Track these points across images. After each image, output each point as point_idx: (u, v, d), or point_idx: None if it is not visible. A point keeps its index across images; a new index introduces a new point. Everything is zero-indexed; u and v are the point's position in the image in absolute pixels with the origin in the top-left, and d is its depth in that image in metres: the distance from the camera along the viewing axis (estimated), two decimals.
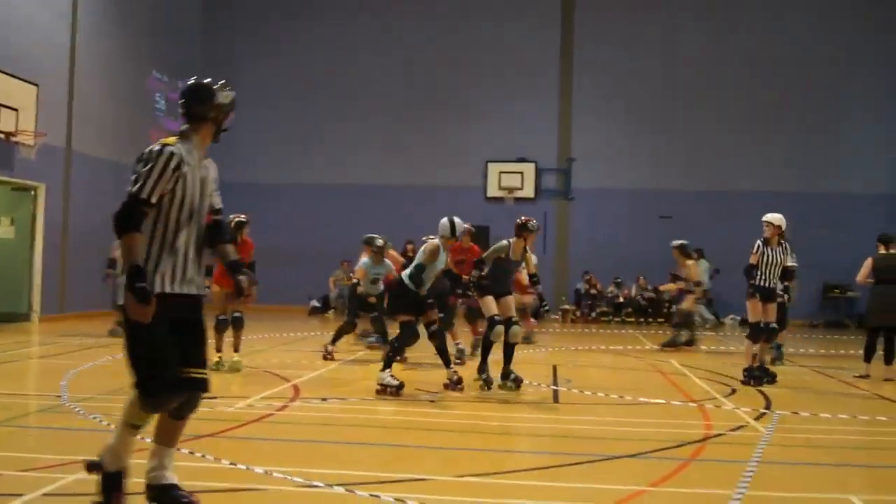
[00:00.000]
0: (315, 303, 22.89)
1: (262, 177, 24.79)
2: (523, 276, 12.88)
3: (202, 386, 4.66)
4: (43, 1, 18.80)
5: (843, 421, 8.59)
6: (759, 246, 11.10)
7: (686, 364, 13.28)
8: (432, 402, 9.13)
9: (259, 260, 11.72)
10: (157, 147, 4.56)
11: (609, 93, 24.83)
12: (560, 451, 7.03)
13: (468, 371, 10.63)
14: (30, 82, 17.43)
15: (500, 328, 9.93)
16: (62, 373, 10.48)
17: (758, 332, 11.06)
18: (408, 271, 9.85)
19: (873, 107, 24.12)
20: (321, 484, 5.47)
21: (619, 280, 23.68)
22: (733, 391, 10.37)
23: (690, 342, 15.60)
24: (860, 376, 11.82)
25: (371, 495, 5.25)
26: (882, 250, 12.05)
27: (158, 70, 23.52)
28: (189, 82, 4.94)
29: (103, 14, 21.10)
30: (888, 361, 11.74)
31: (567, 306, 23.61)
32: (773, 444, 7.22)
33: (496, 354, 10.14)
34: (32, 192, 18.55)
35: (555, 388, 10.36)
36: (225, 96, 4.85)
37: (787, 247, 11.18)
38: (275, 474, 5.65)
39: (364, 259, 13.04)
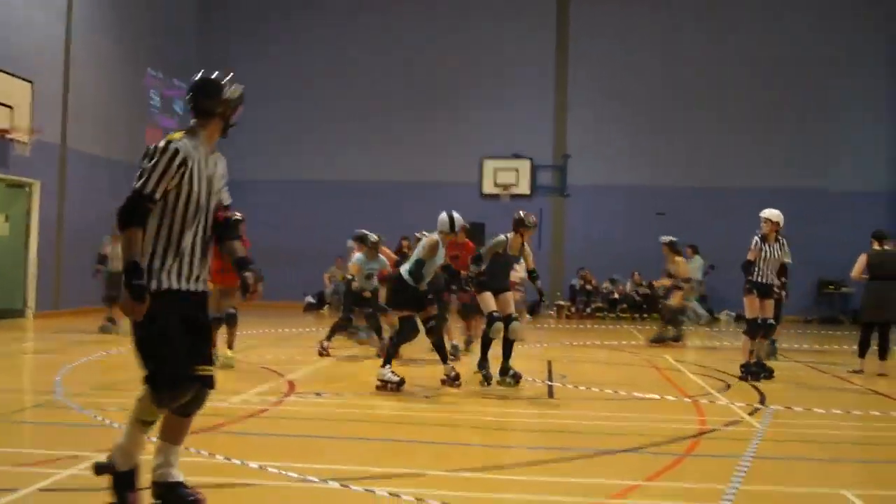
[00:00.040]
0: (310, 299, 22.89)
1: (257, 174, 24.71)
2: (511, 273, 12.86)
3: (209, 383, 4.63)
4: None
5: (836, 416, 8.60)
6: (756, 242, 11.11)
7: (680, 359, 13.31)
8: (427, 397, 9.13)
9: (254, 257, 11.68)
10: (162, 143, 4.48)
11: (605, 90, 24.80)
12: (555, 445, 7.02)
13: (462, 367, 10.62)
14: (25, 79, 17.38)
15: (498, 325, 9.90)
16: (56, 368, 10.46)
17: (755, 328, 11.07)
18: (407, 266, 9.81)
19: (873, 106, 24.09)
20: (316, 479, 5.46)
21: (614, 277, 23.71)
22: (728, 386, 10.38)
23: (677, 338, 15.61)
24: (854, 371, 11.84)
25: (366, 490, 5.25)
26: (876, 246, 12.08)
27: (154, 67, 23.44)
28: (197, 77, 4.82)
29: (98, 11, 21.03)
30: (882, 357, 11.78)
31: (562, 302, 23.63)
32: (768, 439, 7.22)
33: (495, 350, 10.13)
34: (27, 189, 18.50)
35: (550, 383, 10.38)
36: (233, 91, 4.75)
37: (785, 243, 11.19)
38: (269, 469, 5.65)
39: (358, 255, 13.04)
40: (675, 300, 15.61)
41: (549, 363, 12.24)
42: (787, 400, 9.33)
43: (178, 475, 4.63)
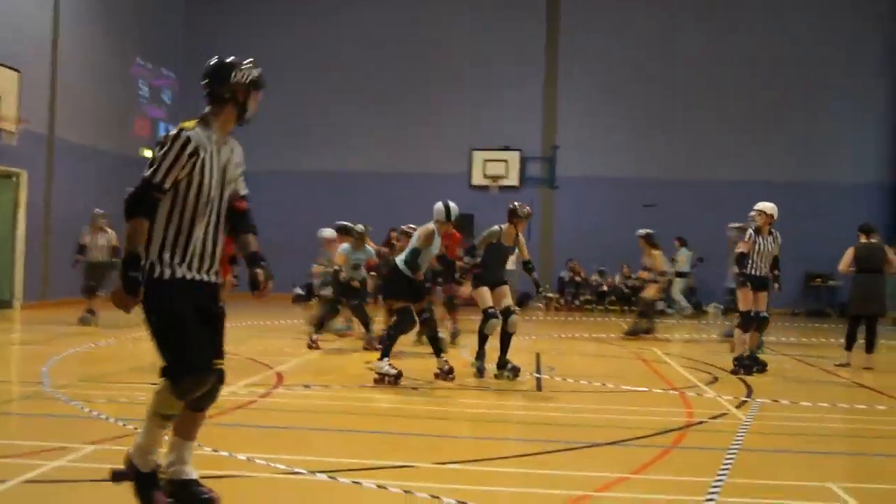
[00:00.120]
0: (299, 290, 22.81)
1: (245, 165, 24.65)
2: None
3: (221, 377, 4.56)
4: None
5: (823, 409, 8.65)
6: (750, 234, 11.12)
7: (668, 352, 13.35)
8: (415, 389, 9.13)
9: None
10: (174, 131, 4.39)
11: (595, 82, 24.76)
12: (542, 438, 7.04)
13: (450, 360, 10.58)
14: (11, 68, 17.29)
15: (494, 321, 9.88)
16: (44, 359, 10.43)
17: (748, 321, 11.09)
18: (402, 256, 9.77)
19: (861, 103, 24.08)
20: (304, 471, 5.47)
21: (602, 269, 23.74)
22: (715, 379, 10.42)
23: (648, 330, 15.62)
24: (841, 365, 11.89)
25: (353, 482, 5.25)
26: (863, 240, 12.11)
27: (142, 57, 23.36)
28: (211, 62, 4.74)
29: (86, 1, 20.94)
30: (869, 350, 11.82)
31: (551, 294, 23.65)
32: (754, 431, 7.26)
33: (492, 342, 10.14)
34: (14, 179, 18.42)
35: (538, 375, 10.39)
36: (242, 75, 4.62)
37: (778, 236, 11.20)
38: (257, 461, 5.65)
39: (344, 245, 13.02)
40: (650, 292, 15.65)
41: (538, 355, 12.27)
42: (774, 393, 9.37)
43: (192, 472, 4.53)
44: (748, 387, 9.79)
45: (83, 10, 20.76)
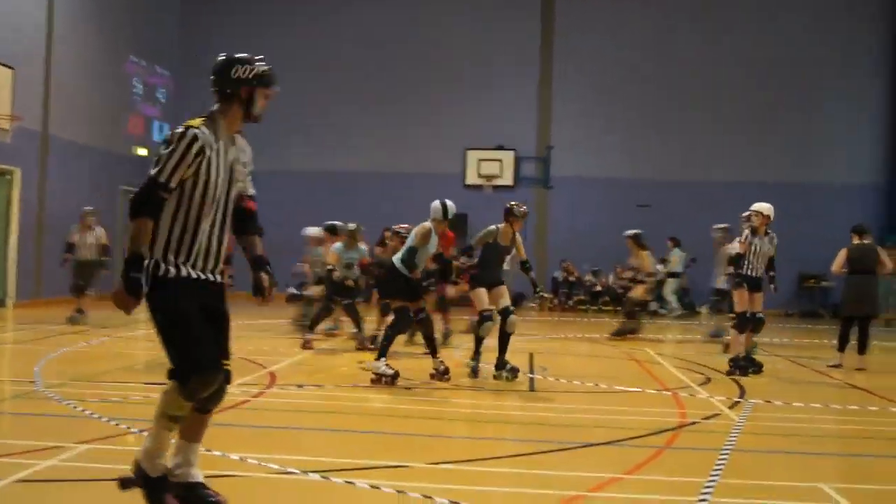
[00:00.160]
0: (293, 290, 22.81)
1: None
2: None
3: (227, 377, 4.46)
4: None
5: (815, 410, 8.67)
6: (747, 235, 11.14)
7: (661, 352, 13.37)
8: (408, 389, 9.13)
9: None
10: (180, 129, 4.30)
11: (589, 82, 24.80)
12: (535, 438, 7.05)
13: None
14: (5, 65, 17.25)
15: (489, 324, 9.86)
16: (36, 359, 10.42)
17: (744, 322, 11.10)
18: (399, 255, 9.75)
19: (856, 104, 24.18)
20: (297, 471, 5.47)
21: (596, 269, 23.76)
22: (708, 380, 10.44)
23: (633, 330, 15.62)
24: (833, 366, 11.91)
25: (346, 482, 5.26)
26: (856, 241, 12.14)
27: (136, 55, 23.33)
28: (218, 57, 4.61)
29: (80, 1, 20.91)
30: (861, 351, 11.84)
31: (546, 294, 23.64)
32: (747, 432, 7.28)
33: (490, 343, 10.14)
34: (8, 177, 18.39)
35: (531, 375, 10.40)
36: (244, 70, 4.49)
37: (774, 237, 11.22)
38: (250, 461, 5.65)
39: (336, 244, 13.00)
40: (637, 293, 15.66)
41: (531, 356, 12.27)
42: (767, 393, 9.39)
43: (199, 475, 4.47)
44: (741, 387, 9.81)
45: (77, 7, 20.74)
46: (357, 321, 12.79)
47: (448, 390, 9.24)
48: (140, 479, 4.39)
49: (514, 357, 10.12)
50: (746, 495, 5.36)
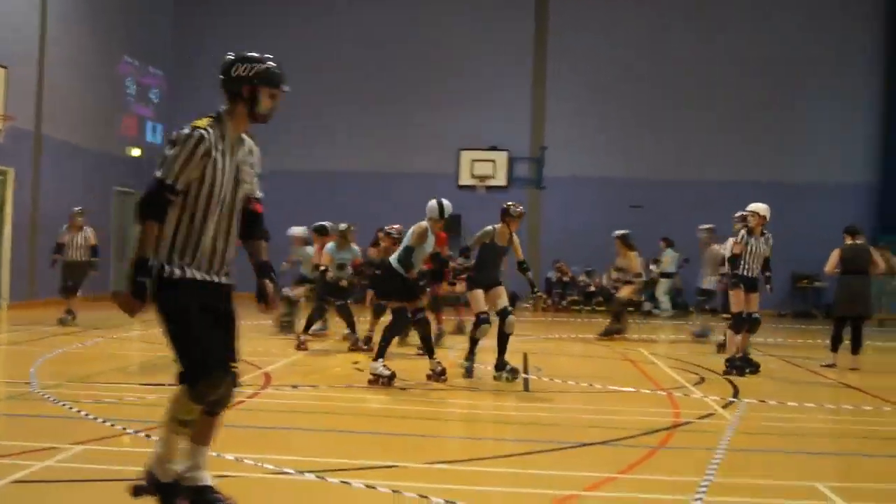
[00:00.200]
0: (287, 290, 22.79)
1: None
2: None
3: (234, 380, 4.35)
4: None
5: (809, 409, 8.70)
6: (743, 235, 11.17)
7: (655, 352, 13.39)
8: (403, 389, 9.14)
9: None
10: (186, 129, 4.21)
11: (583, 81, 24.77)
12: (530, 438, 7.07)
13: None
14: None
15: (486, 327, 9.85)
16: (31, 360, 10.40)
17: (740, 322, 11.13)
18: (396, 255, 9.74)
19: (850, 104, 24.18)
20: (292, 471, 5.48)
21: (589, 269, 23.77)
22: (702, 379, 10.47)
23: (619, 331, 15.62)
24: (827, 365, 11.94)
25: (342, 482, 5.27)
26: (849, 241, 12.16)
27: (129, 55, 23.29)
28: (228, 56, 4.47)
29: (73, 2, 20.87)
30: (855, 351, 11.87)
31: (541, 294, 23.64)
32: (741, 431, 7.30)
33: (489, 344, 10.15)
34: (1, 177, 18.35)
35: (525, 376, 10.39)
36: (245, 69, 4.35)
37: (770, 237, 11.25)
38: (245, 461, 5.65)
39: (329, 244, 12.98)
40: (625, 293, 15.70)
41: (525, 356, 12.28)
42: (761, 393, 9.42)
43: (208, 478, 4.41)
44: (735, 387, 9.83)
45: (71, 8, 20.70)
46: (350, 322, 12.76)
47: (443, 391, 9.24)
48: (152, 485, 4.34)
49: (508, 357, 10.12)
50: (741, 494, 5.38)
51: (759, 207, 11.17)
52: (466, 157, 24.80)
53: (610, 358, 12.92)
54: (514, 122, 24.84)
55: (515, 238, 10.24)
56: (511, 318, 9.93)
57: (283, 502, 5.08)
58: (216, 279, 4.36)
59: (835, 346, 12.03)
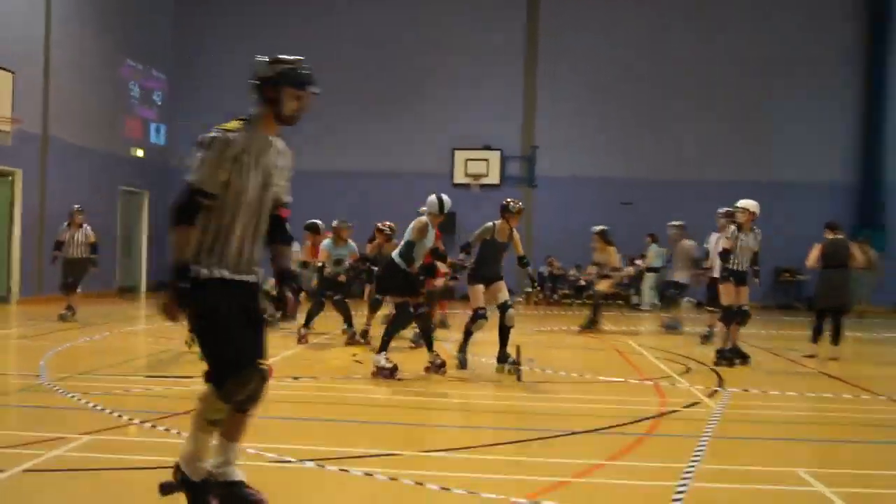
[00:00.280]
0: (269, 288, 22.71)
1: None
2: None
3: (265, 376, 4.26)
4: None
5: (791, 398, 8.74)
6: (733, 231, 11.21)
7: (643, 344, 13.43)
8: (400, 381, 9.15)
9: None
10: (215, 133, 4.11)
11: (578, 81, 24.74)
12: (523, 427, 7.10)
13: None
14: (5, 69, 17.19)
15: (482, 322, 9.85)
16: (41, 353, 10.43)
17: (731, 315, 11.17)
18: (397, 250, 9.72)
19: (836, 103, 24.27)
20: (293, 459, 5.51)
21: (580, 265, 23.78)
22: (687, 370, 10.50)
23: (594, 322, 15.59)
24: (808, 356, 11.98)
25: (341, 470, 5.30)
26: (829, 236, 12.21)
27: (131, 57, 23.24)
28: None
29: (76, 5, 20.81)
30: (835, 342, 11.91)
31: (529, 289, 23.64)
32: (725, 419, 7.34)
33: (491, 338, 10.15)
34: (10, 178, 18.35)
35: (519, 367, 10.41)
36: (269, 70, 4.26)
37: (759, 233, 11.28)
38: (248, 450, 5.65)
39: (326, 241, 12.97)
40: (602, 286, 15.72)
41: (518, 348, 12.26)
42: (744, 383, 9.46)
43: (239, 474, 4.34)
44: (719, 377, 9.87)
45: (74, 11, 20.65)
46: (347, 316, 12.75)
47: (438, 382, 9.27)
48: (182, 483, 4.26)
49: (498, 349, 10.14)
50: (725, 480, 5.42)
51: (749, 204, 11.21)
52: (461, 156, 24.86)
53: (599, 349, 12.94)
54: (507, 123, 24.85)
55: (516, 234, 10.23)
56: (511, 311, 9.94)
57: (283, 490, 5.09)
58: (244, 278, 4.25)
59: (815, 338, 12.06)
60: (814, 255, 12.21)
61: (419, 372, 9.62)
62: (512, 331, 10.04)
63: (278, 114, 4.26)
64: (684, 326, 15.63)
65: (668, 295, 16.22)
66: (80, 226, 15.23)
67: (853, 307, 14.66)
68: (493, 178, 24.79)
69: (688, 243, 15.09)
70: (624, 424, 7.00)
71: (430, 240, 9.73)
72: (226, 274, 4.16)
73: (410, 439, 6.55)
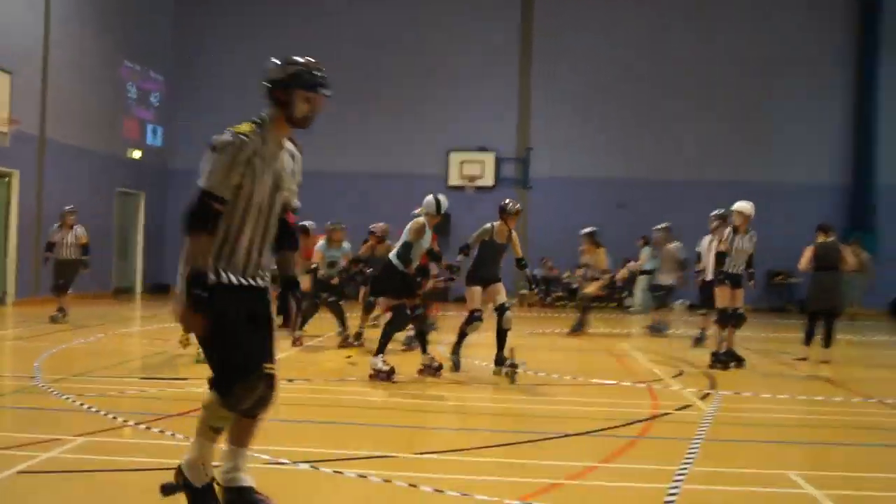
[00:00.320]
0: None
1: None
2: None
3: (272, 382, 4.15)
4: None
5: (782, 401, 8.74)
6: (728, 234, 11.22)
7: (636, 347, 13.44)
8: (394, 383, 9.14)
9: None
10: (226, 136, 4.01)
11: (569, 82, 24.76)
12: (516, 429, 7.08)
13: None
14: (3, 70, 17.18)
15: (477, 323, 9.84)
16: (36, 355, 10.39)
17: (726, 318, 11.17)
18: (395, 251, 9.70)
19: (828, 103, 24.30)
20: (287, 461, 5.49)
21: (575, 266, 23.77)
22: (680, 372, 10.51)
23: (583, 324, 15.63)
24: (800, 359, 11.99)
25: (335, 472, 5.29)
26: (821, 238, 12.22)
27: (131, 58, 23.20)
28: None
29: (75, 5, 20.77)
30: (826, 344, 11.92)
31: (524, 291, 23.68)
32: (717, 422, 7.33)
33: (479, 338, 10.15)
34: (6, 179, 18.31)
35: (515, 369, 10.41)
36: (279, 72, 4.14)
37: (753, 235, 11.29)
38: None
39: (320, 243, 12.94)
40: (591, 288, 15.73)
41: (512, 350, 12.27)
42: (736, 385, 9.47)
43: (248, 479, 4.28)
44: (711, 380, 9.88)
45: (73, 12, 20.60)
46: (341, 318, 12.73)
47: (432, 384, 9.26)
48: (183, 486, 4.19)
49: (495, 351, 10.13)
50: (717, 482, 5.42)
51: (745, 206, 11.22)
52: (455, 158, 24.86)
53: (592, 352, 12.95)
54: (501, 124, 24.87)
55: (514, 235, 10.20)
56: (508, 314, 9.92)
57: (278, 491, 5.06)
58: (252, 282, 4.17)
59: (808, 340, 12.07)
60: (806, 258, 12.21)
61: (413, 374, 9.60)
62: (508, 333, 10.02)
63: (290, 116, 4.16)
64: (670, 328, 15.67)
65: (654, 297, 16.26)
66: (72, 227, 15.13)
67: (845, 310, 14.67)
68: (488, 179, 24.80)
69: (673, 246, 15.18)
70: (617, 427, 7.00)
71: (427, 241, 9.70)
72: (234, 279, 4.08)
73: (405, 441, 6.54)
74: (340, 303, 12.79)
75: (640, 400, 8.50)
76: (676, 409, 7.93)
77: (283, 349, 11.79)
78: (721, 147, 24.32)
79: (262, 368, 4.08)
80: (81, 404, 7.26)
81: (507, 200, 10.22)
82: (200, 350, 9.60)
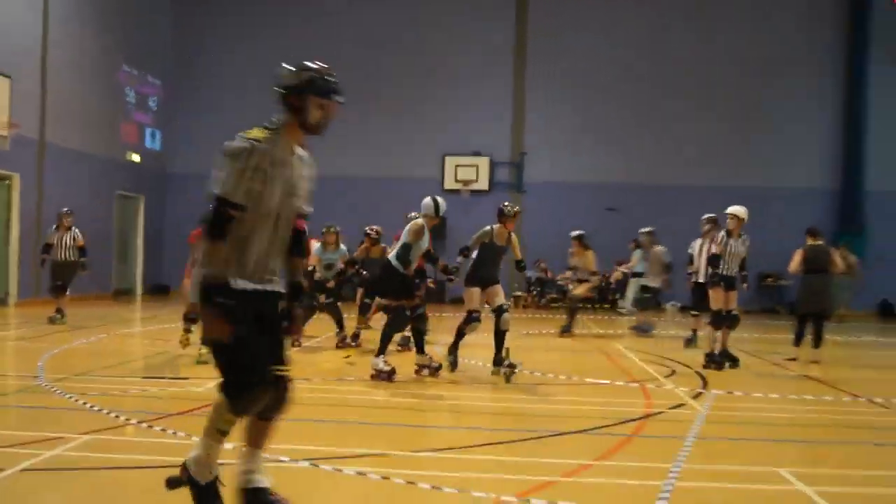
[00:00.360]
0: None
1: None
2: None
3: (285, 384, 4.15)
4: None
5: (773, 400, 8.77)
6: (723, 237, 11.27)
7: (630, 347, 13.46)
8: (392, 382, 9.15)
9: None
10: (239, 141, 3.96)
11: (565, 84, 24.75)
12: (512, 427, 7.10)
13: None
14: (3, 74, 17.18)
15: (475, 324, 9.85)
16: (39, 354, 10.41)
17: (720, 319, 11.20)
18: (394, 253, 9.70)
19: (818, 105, 24.40)
20: (287, 459, 5.50)
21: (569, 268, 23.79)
22: (673, 372, 10.53)
23: (570, 326, 15.65)
24: (790, 359, 12.02)
25: (334, 469, 5.31)
26: (810, 241, 12.26)
27: (129, 61, 23.19)
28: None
29: (75, 7, 20.78)
30: (816, 345, 11.96)
31: (519, 293, 23.71)
32: (709, 421, 7.36)
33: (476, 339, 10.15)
34: (7, 182, 18.30)
35: (513, 369, 10.42)
36: (293, 77, 4.09)
37: (746, 238, 11.33)
38: (243, 450, 5.66)
39: (316, 245, 12.93)
40: (580, 290, 15.76)
41: (507, 350, 12.29)
42: (728, 385, 9.50)
43: (263, 480, 4.25)
44: (704, 379, 9.90)
45: (72, 15, 20.60)
46: (338, 320, 12.73)
47: (429, 383, 9.28)
48: (189, 483, 4.16)
49: (491, 352, 10.15)
50: (710, 479, 5.44)
51: (739, 210, 11.28)
52: (451, 162, 24.87)
53: (587, 352, 12.97)
54: (495, 128, 24.86)
55: (514, 238, 10.24)
56: (506, 315, 9.93)
57: (279, 488, 5.09)
58: (263, 287, 4.12)
59: (797, 341, 12.11)
60: (796, 261, 12.25)
61: (411, 374, 9.62)
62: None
63: (303, 123, 4.12)
64: (655, 329, 15.73)
65: (642, 298, 16.31)
66: (69, 228, 15.09)
67: (834, 312, 14.72)
68: (483, 183, 24.81)
69: (659, 249, 15.28)
70: (611, 425, 7.02)
71: (426, 242, 9.72)
72: (244, 284, 4.02)
73: (403, 440, 6.56)
74: (338, 304, 12.79)
75: (634, 399, 8.52)
76: (670, 408, 7.96)
77: None
78: (721, 147, 24.30)
79: (268, 376, 4.04)
80: (84, 403, 7.27)
81: (506, 203, 10.25)
82: (201, 351, 9.71)
